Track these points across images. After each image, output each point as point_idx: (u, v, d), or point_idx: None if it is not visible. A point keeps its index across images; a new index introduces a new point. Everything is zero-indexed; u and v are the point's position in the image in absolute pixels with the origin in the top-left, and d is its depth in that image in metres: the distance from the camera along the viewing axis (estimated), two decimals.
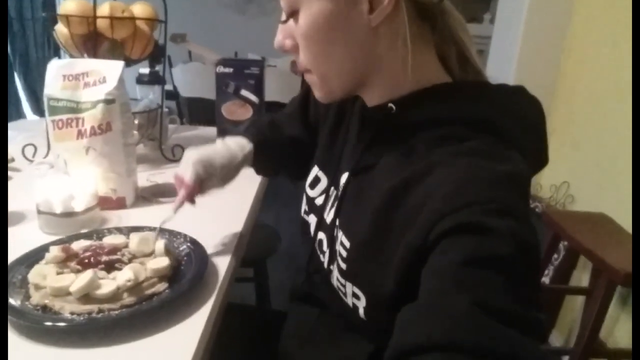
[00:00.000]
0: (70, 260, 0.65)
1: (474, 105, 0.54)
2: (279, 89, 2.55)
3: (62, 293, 0.58)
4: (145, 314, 0.59)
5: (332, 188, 0.68)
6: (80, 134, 0.89)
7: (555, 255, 1.78)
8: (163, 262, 0.66)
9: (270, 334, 0.84)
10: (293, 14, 0.54)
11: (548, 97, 2.04)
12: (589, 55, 1.90)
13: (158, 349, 0.56)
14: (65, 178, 0.87)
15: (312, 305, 0.74)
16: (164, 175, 1.12)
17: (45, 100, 0.89)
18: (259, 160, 0.79)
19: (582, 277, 1.79)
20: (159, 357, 0.55)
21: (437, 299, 0.40)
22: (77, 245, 0.68)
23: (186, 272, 0.68)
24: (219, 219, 0.90)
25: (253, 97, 1.41)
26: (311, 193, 0.73)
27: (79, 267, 0.63)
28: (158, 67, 1.42)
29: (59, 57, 2.76)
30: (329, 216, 0.66)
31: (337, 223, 0.63)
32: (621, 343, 1.57)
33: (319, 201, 0.70)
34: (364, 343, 0.62)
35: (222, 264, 0.75)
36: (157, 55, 1.30)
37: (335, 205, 0.64)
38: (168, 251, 0.69)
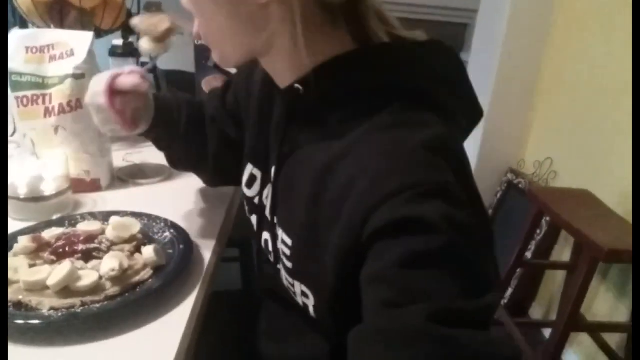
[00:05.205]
0: (42, 251, 0.61)
1: (377, 69, 0.50)
2: None
3: (38, 287, 0.54)
4: (130, 305, 0.55)
5: (268, 184, 0.62)
6: (47, 112, 0.82)
7: (538, 231, 1.80)
8: (148, 251, 0.62)
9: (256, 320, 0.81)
10: None
11: (534, 68, 2.02)
12: (576, 23, 1.88)
13: (144, 340, 0.53)
14: (33, 160, 0.81)
15: (278, 302, 0.70)
16: (142, 154, 1.06)
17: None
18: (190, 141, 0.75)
19: (563, 252, 1.82)
20: (146, 347, 0.52)
21: (387, 315, 0.38)
22: (49, 234, 0.63)
23: (170, 259, 0.64)
24: (202, 200, 0.86)
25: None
26: (249, 193, 0.67)
27: (53, 257, 0.59)
28: (132, 38, 1.33)
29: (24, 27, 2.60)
30: (270, 214, 0.61)
31: (276, 221, 0.58)
32: (600, 316, 1.60)
33: (257, 200, 0.65)
34: (324, 341, 0.60)
35: (207, 247, 0.71)
36: (130, 25, 1.22)
37: (270, 202, 0.59)
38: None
